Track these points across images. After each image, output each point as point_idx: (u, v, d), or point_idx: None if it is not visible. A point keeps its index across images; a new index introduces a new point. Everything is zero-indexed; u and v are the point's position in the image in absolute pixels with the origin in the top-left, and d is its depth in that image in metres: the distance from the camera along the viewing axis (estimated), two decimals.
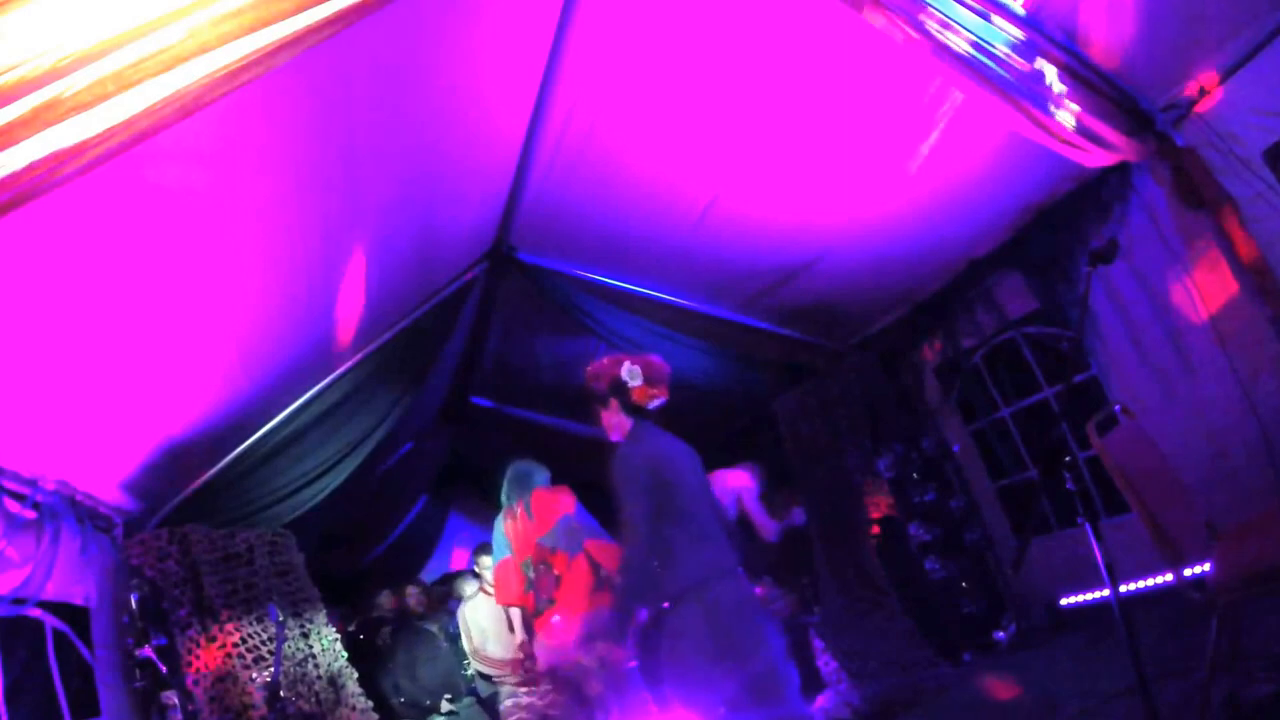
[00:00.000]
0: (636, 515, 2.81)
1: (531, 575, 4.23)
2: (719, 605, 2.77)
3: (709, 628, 2.73)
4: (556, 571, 4.14)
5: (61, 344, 2.69)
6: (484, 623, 5.28)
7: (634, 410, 3.07)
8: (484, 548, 5.54)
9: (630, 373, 3.06)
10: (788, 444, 6.42)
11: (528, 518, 4.30)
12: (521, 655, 5.02)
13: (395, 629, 6.09)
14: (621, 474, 2.90)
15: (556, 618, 4.08)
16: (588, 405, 3.19)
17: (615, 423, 3.09)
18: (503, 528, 4.41)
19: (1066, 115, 3.30)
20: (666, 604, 2.79)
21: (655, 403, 3.09)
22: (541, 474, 4.56)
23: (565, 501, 4.33)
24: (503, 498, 4.52)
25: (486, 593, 5.40)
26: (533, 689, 5.03)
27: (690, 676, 2.73)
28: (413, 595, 6.26)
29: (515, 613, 5.17)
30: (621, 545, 2.92)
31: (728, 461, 6.01)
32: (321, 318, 4.03)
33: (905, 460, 5.67)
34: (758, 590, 5.01)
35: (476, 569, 5.53)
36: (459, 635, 6.06)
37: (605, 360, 3.15)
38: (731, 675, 2.69)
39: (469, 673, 5.77)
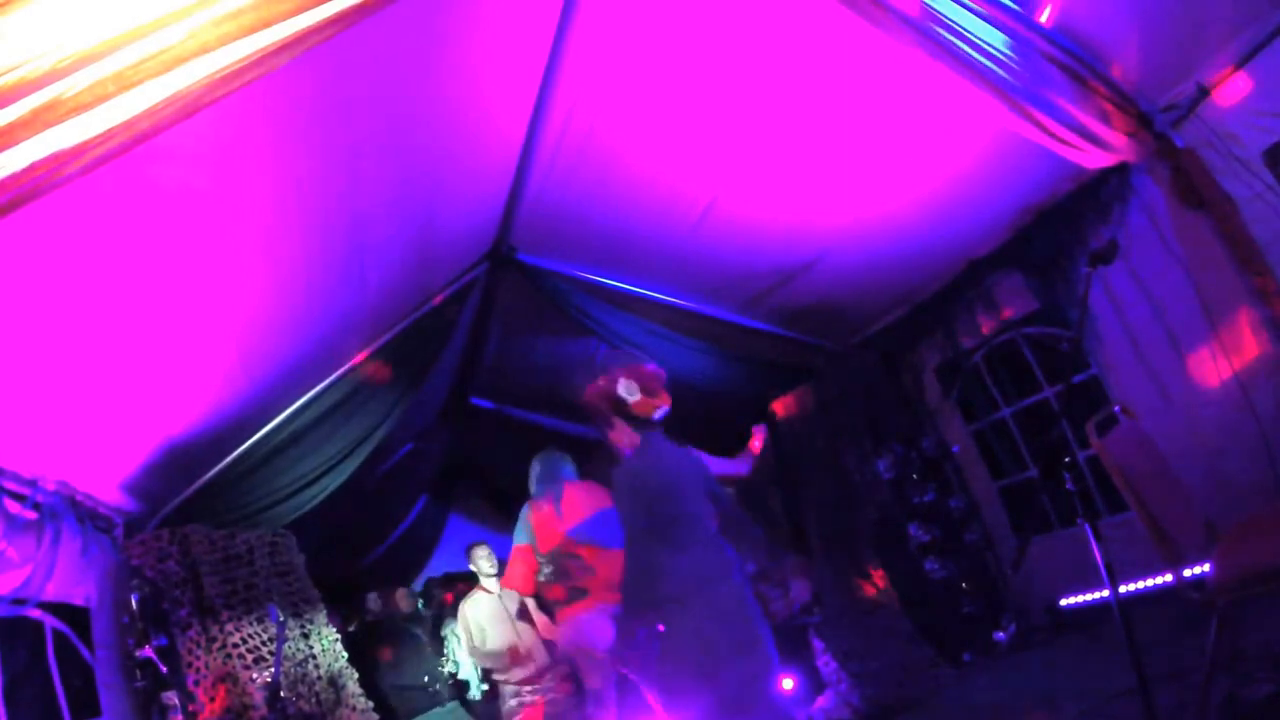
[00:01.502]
0: (631, 535, 2.88)
1: (549, 567, 4.25)
2: (702, 616, 2.72)
3: (691, 640, 2.69)
4: (588, 563, 4.16)
5: (62, 344, 2.69)
6: (482, 619, 5.28)
7: (641, 424, 3.01)
8: (477, 544, 5.56)
9: (628, 389, 2.99)
10: (787, 444, 6.42)
11: (555, 511, 4.32)
12: (521, 651, 5.03)
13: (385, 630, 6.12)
14: (617, 496, 2.98)
15: (586, 614, 4.09)
16: (593, 425, 3.15)
17: (624, 440, 3.03)
18: (528, 516, 4.42)
19: (1066, 115, 3.30)
20: (658, 624, 2.77)
21: (660, 412, 3.02)
22: (569, 466, 4.60)
23: (599, 497, 4.36)
24: (532, 488, 4.55)
25: (484, 589, 5.40)
26: (535, 686, 5.03)
27: (674, 685, 2.71)
28: (401, 597, 6.29)
29: (516, 604, 5.15)
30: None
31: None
32: (321, 318, 4.03)
33: (905, 460, 5.66)
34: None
35: (471, 565, 5.54)
36: (446, 637, 6.07)
37: (600, 381, 3.07)
38: (712, 685, 2.65)
39: (446, 672, 5.77)
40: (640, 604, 2.80)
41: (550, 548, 4.30)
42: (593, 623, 4.07)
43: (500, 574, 5.37)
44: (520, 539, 4.44)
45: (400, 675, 5.73)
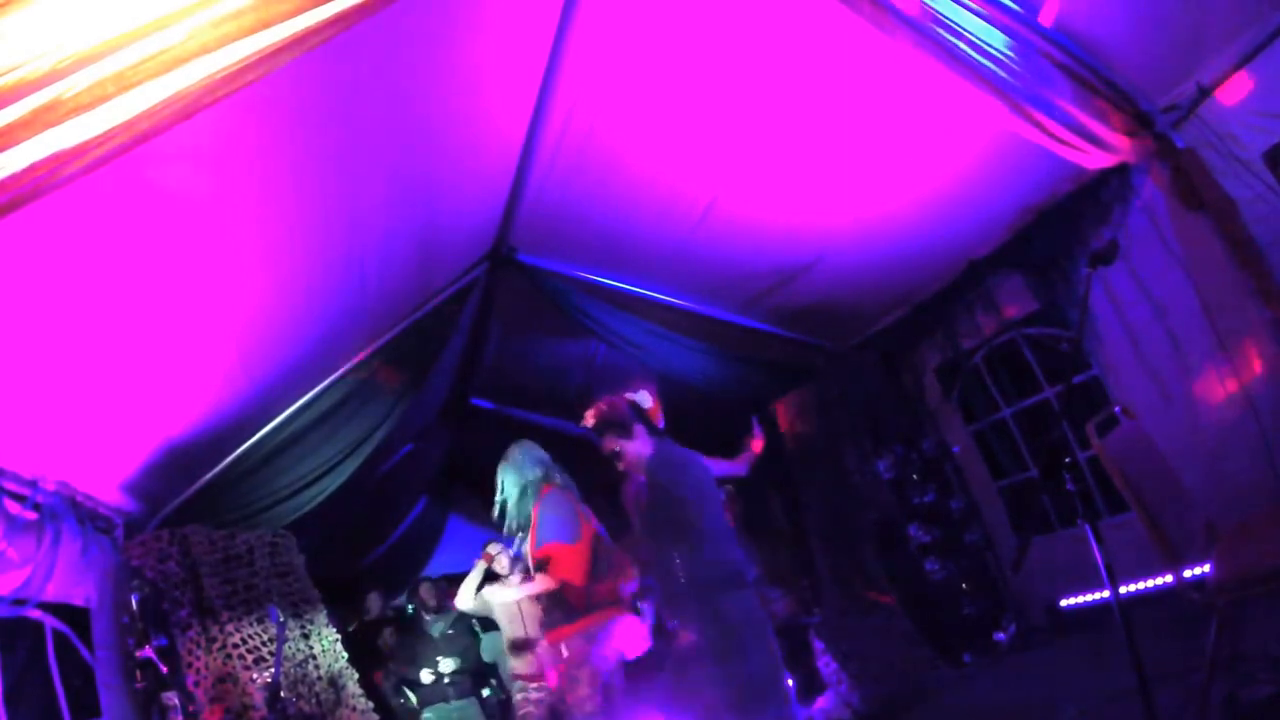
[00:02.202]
0: (658, 531, 3.02)
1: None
2: (722, 613, 2.80)
3: (711, 634, 2.76)
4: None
5: (62, 345, 2.69)
6: (497, 614, 5.27)
7: (654, 429, 3.32)
8: (492, 542, 5.52)
9: (642, 396, 3.38)
10: (788, 444, 6.42)
11: (580, 506, 4.27)
12: (531, 647, 5.00)
13: (397, 628, 6.13)
14: (641, 494, 3.13)
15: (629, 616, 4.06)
16: (603, 441, 3.36)
17: (637, 448, 3.27)
18: (575, 505, 4.11)
19: (1066, 115, 3.30)
20: (672, 616, 2.87)
21: (660, 421, 3.41)
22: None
23: None
24: (534, 475, 4.18)
25: (501, 586, 5.36)
26: (542, 683, 5.01)
27: (689, 678, 2.76)
28: (426, 591, 6.29)
29: (526, 605, 5.10)
30: (643, 558, 3.19)
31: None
32: (321, 318, 4.03)
33: (905, 461, 5.66)
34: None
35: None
36: (457, 635, 6.07)
37: (607, 398, 3.39)
38: (729, 679, 2.71)
39: (455, 669, 5.81)
40: (673, 597, 2.94)
41: (589, 538, 4.23)
42: (636, 625, 4.03)
43: (512, 570, 5.29)
44: (567, 535, 3.93)
45: (414, 667, 5.80)
